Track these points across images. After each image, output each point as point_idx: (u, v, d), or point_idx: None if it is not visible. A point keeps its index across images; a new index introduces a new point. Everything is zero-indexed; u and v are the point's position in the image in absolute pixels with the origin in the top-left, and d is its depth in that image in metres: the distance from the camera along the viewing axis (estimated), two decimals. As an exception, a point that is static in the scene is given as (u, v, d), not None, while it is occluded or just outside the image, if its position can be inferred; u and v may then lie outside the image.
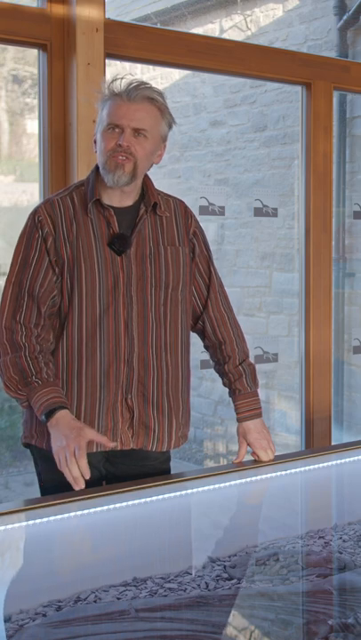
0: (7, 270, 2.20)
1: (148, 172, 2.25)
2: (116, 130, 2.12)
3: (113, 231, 2.18)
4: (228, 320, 2.35)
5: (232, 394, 2.35)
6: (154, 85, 2.19)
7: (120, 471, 2.24)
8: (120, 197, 2.19)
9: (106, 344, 2.16)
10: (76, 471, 1.99)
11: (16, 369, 2.11)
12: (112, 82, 2.14)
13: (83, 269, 2.15)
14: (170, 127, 2.22)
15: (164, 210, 2.25)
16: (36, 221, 2.17)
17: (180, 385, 2.27)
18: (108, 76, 2.91)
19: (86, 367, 2.16)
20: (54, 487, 2.12)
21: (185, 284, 2.27)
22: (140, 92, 2.13)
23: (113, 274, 2.16)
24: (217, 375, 2.40)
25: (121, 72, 2.19)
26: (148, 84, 2.17)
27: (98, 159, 2.18)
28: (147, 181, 2.25)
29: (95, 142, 2.19)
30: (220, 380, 2.39)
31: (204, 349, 2.43)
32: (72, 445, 2.00)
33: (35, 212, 2.19)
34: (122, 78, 2.14)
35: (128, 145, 2.11)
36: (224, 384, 2.37)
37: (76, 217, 2.17)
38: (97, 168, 2.21)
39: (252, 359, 2.41)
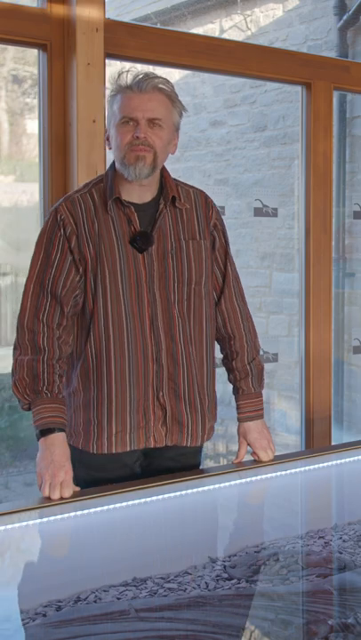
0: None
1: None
2: (131, 123, 2.09)
3: (134, 229, 2.15)
4: (240, 314, 2.33)
5: (235, 392, 2.35)
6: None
7: (156, 466, 2.25)
8: (139, 193, 2.16)
9: (133, 343, 2.15)
10: (57, 495, 2.04)
11: (30, 372, 2.10)
12: (119, 76, 2.11)
13: (105, 269, 2.13)
14: (181, 116, 2.18)
15: (184, 202, 2.22)
16: (58, 220, 2.14)
17: (206, 378, 2.25)
18: (109, 75, 2.91)
19: (115, 367, 2.14)
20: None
21: (208, 277, 2.24)
22: (149, 82, 2.10)
23: (136, 272, 2.14)
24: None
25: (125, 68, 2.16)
26: (155, 73, 2.14)
27: (114, 155, 2.14)
28: (164, 174, 2.22)
29: (108, 139, 2.16)
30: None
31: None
32: (60, 477, 2.05)
33: (56, 211, 2.16)
34: (128, 71, 2.11)
35: (145, 136, 2.08)
36: (229, 380, 2.37)
37: (97, 215, 2.14)
38: (114, 164, 2.17)
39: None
